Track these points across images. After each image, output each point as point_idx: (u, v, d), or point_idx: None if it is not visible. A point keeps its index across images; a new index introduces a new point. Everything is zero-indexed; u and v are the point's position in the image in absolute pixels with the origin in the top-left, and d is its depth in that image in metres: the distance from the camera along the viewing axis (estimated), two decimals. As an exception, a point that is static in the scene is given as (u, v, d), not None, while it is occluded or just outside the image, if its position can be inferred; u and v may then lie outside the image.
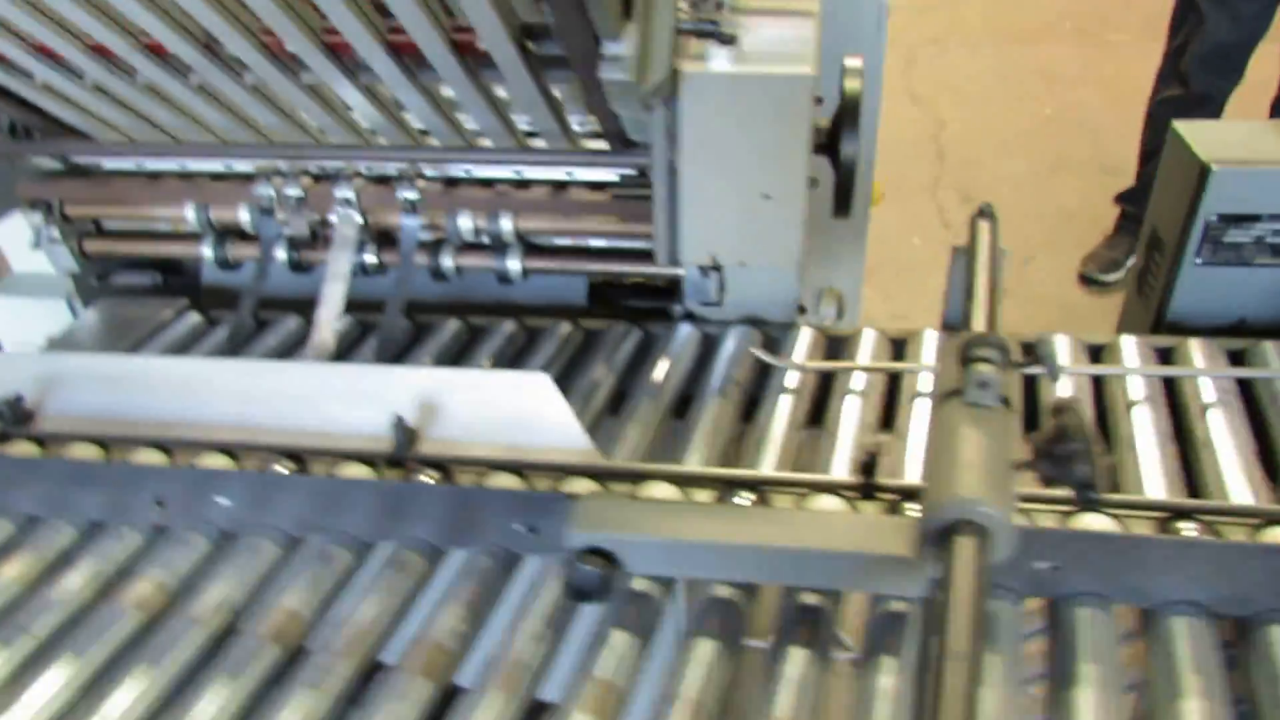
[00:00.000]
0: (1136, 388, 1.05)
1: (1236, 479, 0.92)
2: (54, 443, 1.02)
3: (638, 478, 0.90)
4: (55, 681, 0.81)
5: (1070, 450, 0.69)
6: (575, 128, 1.20)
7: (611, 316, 1.29)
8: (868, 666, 0.78)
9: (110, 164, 1.34)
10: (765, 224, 1.00)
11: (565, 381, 1.16)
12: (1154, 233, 1.20)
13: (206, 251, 1.34)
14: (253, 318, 1.30)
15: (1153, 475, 0.94)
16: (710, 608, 0.83)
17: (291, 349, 1.26)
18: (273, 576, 0.91)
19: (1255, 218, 1.08)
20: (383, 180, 1.24)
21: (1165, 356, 1.12)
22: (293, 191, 1.22)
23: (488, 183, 1.26)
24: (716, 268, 1.18)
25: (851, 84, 1.16)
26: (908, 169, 4.24)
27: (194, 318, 1.34)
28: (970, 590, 0.65)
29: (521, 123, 1.15)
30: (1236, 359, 1.11)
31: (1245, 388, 1.06)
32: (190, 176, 1.34)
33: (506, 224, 1.22)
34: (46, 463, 0.99)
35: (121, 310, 1.36)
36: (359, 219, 1.21)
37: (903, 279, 3.57)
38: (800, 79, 0.91)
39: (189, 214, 1.31)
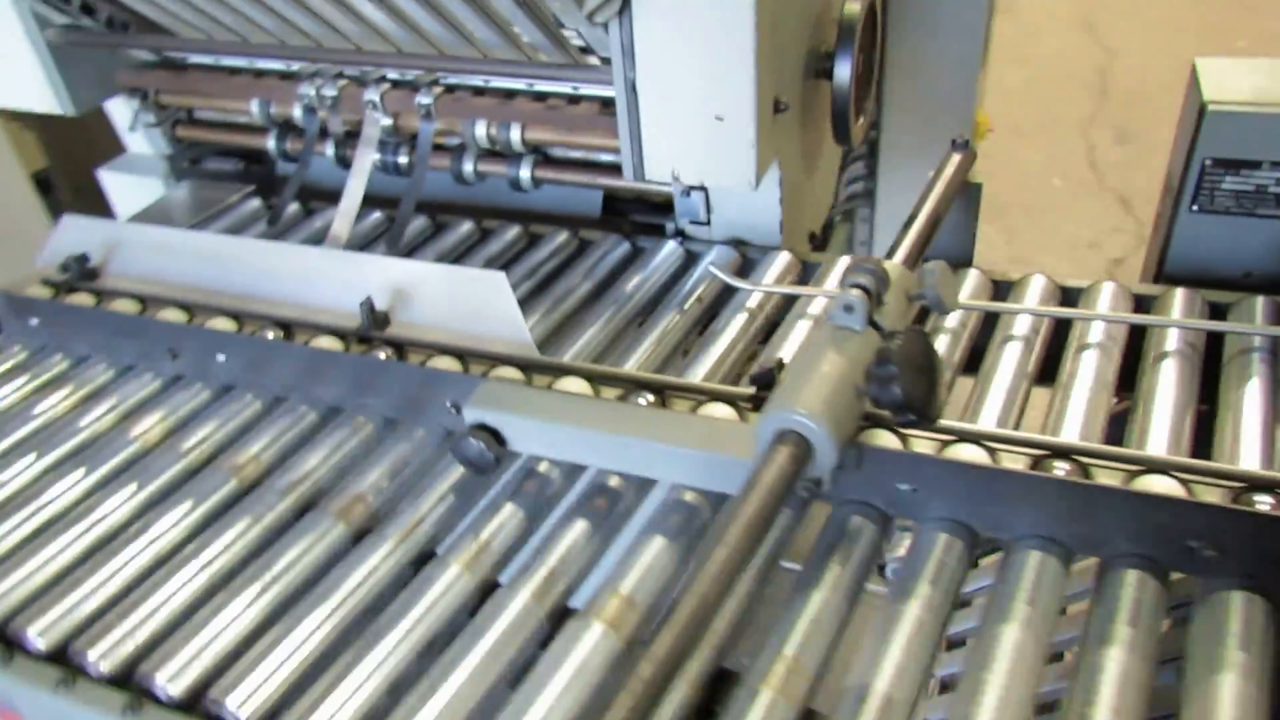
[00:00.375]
0: (1095, 333, 1.03)
1: (1161, 428, 0.91)
2: (107, 297, 1.20)
3: (558, 371, 0.98)
4: (64, 487, 0.99)
5: (886, 373, 0.72)
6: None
7: (619, 230, 1.35)
8: (754, 571, 0.84)
9: (195, 59, 1.50)
10: (719, 144, 1.03)
11: (548, 284, 1.25)
12: (1169, 177, 1.14)
13: (270, 144, 1.50)
14: (299, 204, 1.45)
15: (1075, 418, 0.93)
16: (597, 493, 0.91)
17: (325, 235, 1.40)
18: (251, 426, 1.06)
19: (1255, 164, 1.02)
20: (413, 87, 1.34)
21: (1143, 304, 1.08)
22: (329, 92, 1.34)
23: (510, 94, 1.34)
24: (701, 188, 1.22)
25: (850, 8, 1.16)
26: (1062, 103, 3.97)
27: (254, 202, 1.50)
28: (766, 492, 0.71)
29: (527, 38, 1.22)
30: (1220, 312, 1.06)
31: (1217, 342, 1.01)
32: (261, 74, 1.48)
33: (515, 133, 1.29)
34: (95, 312, 1.17)
35: (198, 191, 1.54)
36: (383, 120, 1.32)
37: (1033, 221, 3.40)
38: (741, 1, 0.93)
39: (254, 108, 1.46)
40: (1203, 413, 0.95)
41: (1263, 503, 0.75)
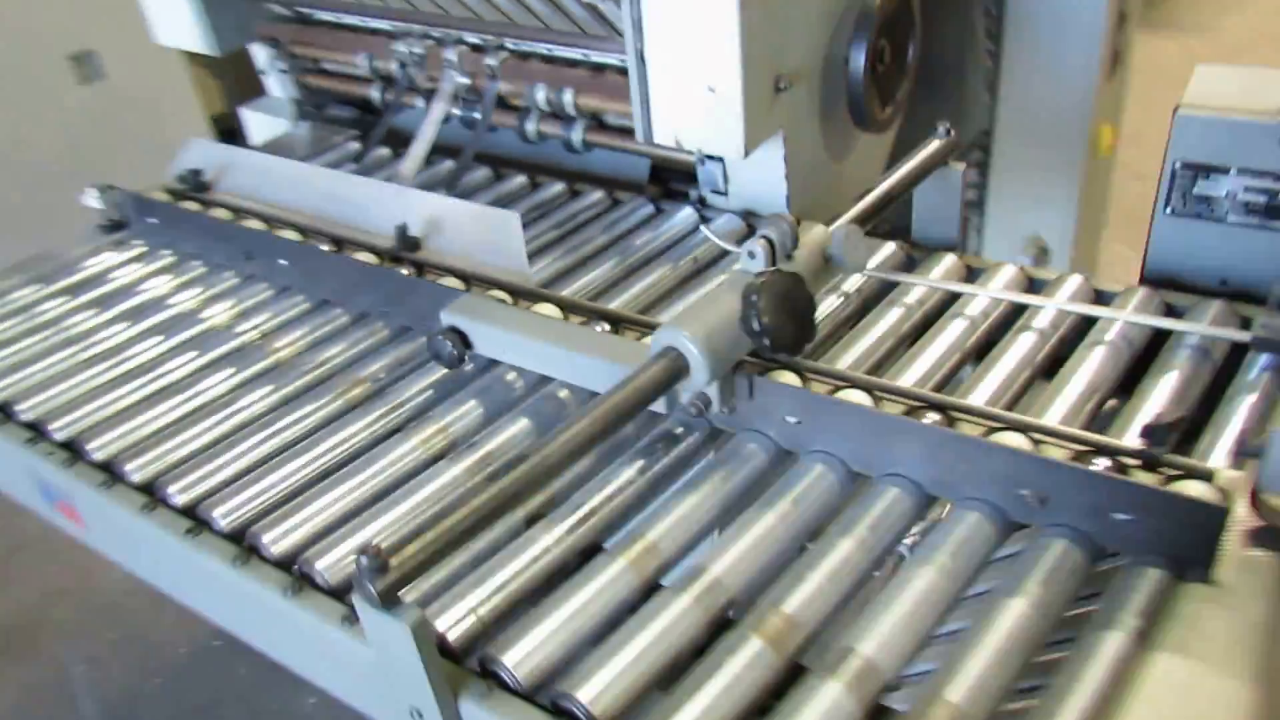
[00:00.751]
0: (1043, 318, 1.13)
1: (1064, 403, 1.00)
2: (210, 206, 1.50)
3: (538, 298, 1.18)
4: (143, 348, 1.28)
5: (748, 303, 0.88)
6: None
7: (658, 195, 1.54)
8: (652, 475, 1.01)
9: (321, 15, 1.80)
10: (713, 114, 1.20)
11: (573, 235, 1.45)
12: (1163, 182, 1.22)
13: (374, 94, 1.77)
14: (390, 149, 1.72)
15: (988, 385, 1.05)
16: (546, 400, 1.11)
17: (403, 176, 1.66)
18: (295, 321, 1.32)
19: (1223, 170, 1.09)
20: (485, 50, 1.57)
21: (1104, 299, 1.17)
22: (417, 50, 1.59)
23: (571, 64, 1.54)
24: (718, 160, 1.39)
25: (870, -2, 1.30)
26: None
27: (355, 145, 1.79)
28: (632, 389, 0.88)
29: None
30: (1177, 314, 1.13)
31: (1164, 338, 1.09)
32: (374, 33, 1.76)
33: (568, 97, 1.50)
34: (197, 217, 1.47)
35: (312, 132, 1.84)
36: (459, 78, 1.56)
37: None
38: (727, -19, 1.10)
39: (360, 61, 1.74)
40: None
41: (1098, 464, 0.85)
